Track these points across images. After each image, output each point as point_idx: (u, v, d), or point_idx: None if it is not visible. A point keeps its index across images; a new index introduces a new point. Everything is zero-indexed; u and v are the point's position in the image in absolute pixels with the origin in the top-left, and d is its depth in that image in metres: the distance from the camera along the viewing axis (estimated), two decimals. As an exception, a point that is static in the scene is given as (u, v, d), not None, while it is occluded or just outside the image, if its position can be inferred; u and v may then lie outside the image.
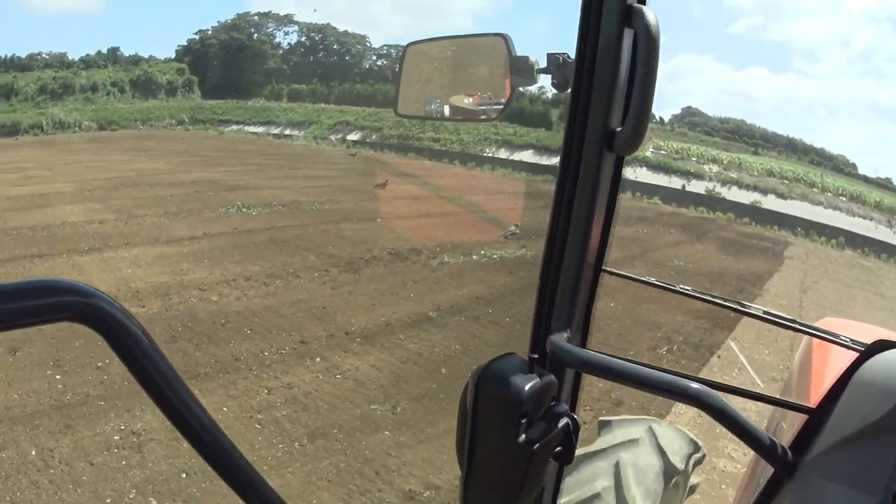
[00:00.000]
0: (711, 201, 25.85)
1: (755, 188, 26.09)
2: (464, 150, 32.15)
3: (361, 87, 40.04)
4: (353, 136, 35.05)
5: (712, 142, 29.67)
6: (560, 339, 1.01)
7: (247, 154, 26.38)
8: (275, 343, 7.00)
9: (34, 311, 0.61)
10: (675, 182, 27.11)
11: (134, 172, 19.28)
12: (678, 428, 3.49)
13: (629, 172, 27.42)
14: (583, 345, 1.10)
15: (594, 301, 1.10)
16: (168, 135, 31.61)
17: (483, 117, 1.37)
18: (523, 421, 0.90)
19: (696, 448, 3.26)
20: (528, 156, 30.81)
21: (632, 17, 0.93)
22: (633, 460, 3.09)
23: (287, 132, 36.09)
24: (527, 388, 0.90)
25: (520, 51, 1.19)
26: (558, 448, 0.95)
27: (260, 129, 36.12)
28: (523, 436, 0.90)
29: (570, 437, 0.95)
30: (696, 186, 26.79)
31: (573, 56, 0.99)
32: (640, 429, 3.28)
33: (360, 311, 8.00)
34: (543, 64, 1.12)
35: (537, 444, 0.90)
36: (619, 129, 0.96)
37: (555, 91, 1.08)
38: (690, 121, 31.53)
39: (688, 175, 27.11)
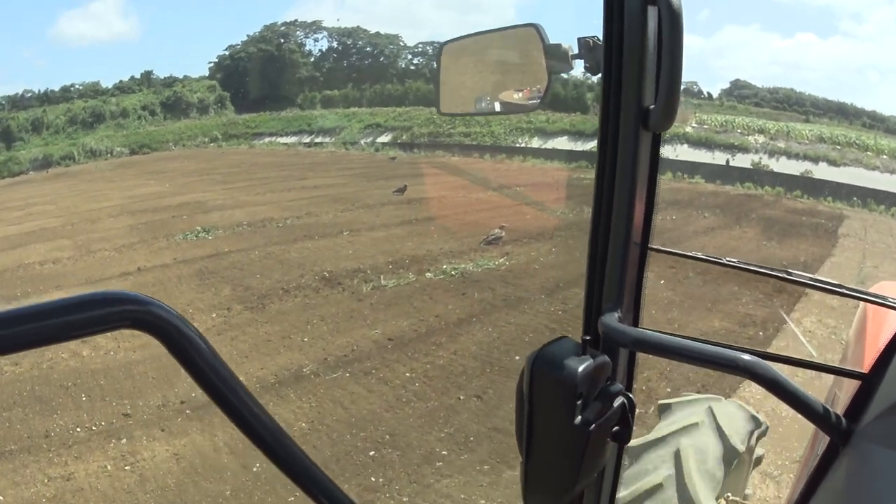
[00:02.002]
0: (758, 175, 23.81)
1: (805, 157, 24.12)
2: (495, 142, 31.18)
3: (392, 88, 39.21)
4: (383, 139, 34.35)
5: (762, 113, 27.81)
6: (611, 319, 1.02)
7: (262, 167, 25.82)
8: (98, 415, 5.97)
9: (93, 321, 0.65)
10: (719, 157, 25.21)
11: (130, 199, 18.92)
12: (740, 404, 3.41)
13: (669, 151, 25.80)
14: (634, 323, 1.11)
15: (643, 279, 1.10)
16: (195, 153, 31.52)
17: (522, 108, 1.37)
18: (578, 402, 0.91)
19: (758, 423, 3.25)
20: (562, 142, 29.69)
21: None
22: (694, 445, 3.07)
23: (318, 140, 35.59)
24: (580, 369, 0.90)
25: (558, 37, 1.19)
26: (615, 427, 0.96)
27: (292, 140, 35.70)
28: (579, 417, 0.91)
29: (627, 415, 0.96)
30: (742, 160, 24.81)
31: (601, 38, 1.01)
32: (700, 410, 3.25)
33: (222, 367, 6.79)
34: (577, 50, 1.13)
35: (594, 425, 0.91)
36: (652, 106, 0.97)
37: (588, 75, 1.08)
38: (739, 94, 29.76)
39: (732, 149, 25.17)
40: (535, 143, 30.06)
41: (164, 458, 5.22)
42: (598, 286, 1.07)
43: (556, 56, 1.17)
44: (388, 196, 17.77)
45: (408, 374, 6.74)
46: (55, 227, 16.03)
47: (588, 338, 0.94)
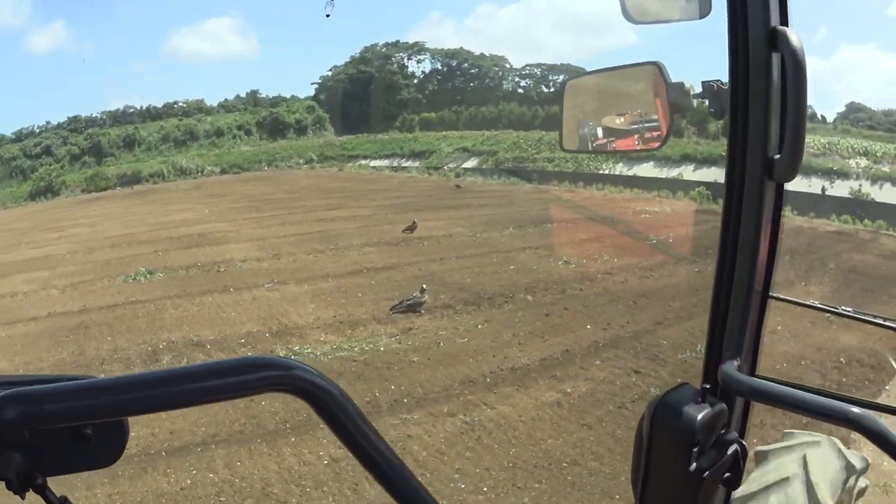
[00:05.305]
0: (857, 206, 21.07)
1: (910, 183, 21.23)
2: (577, 168, 29.29)
3: (486, 111, 37.97)
4: (469, 164, 33.23)
5: (876, 136, 25.03)
6: (731, 367, 1.04)
7: (317, 193, 25.40)
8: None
9: (241, 385, 0.69)
10: (816, 185, 22.27)
11: (149, 227, 19.11)
12: (838, 448, 3.40)
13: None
14: (752, 371, 1.12)
15: (762, 328, 1.11)
16: (277, 176, 31.78)
17: (642, 146, 1.35)
18: (695, 450, 0.94)
19: (853, 468, 3.31)
20: (646, 169, 27.40)
21: (777, 40, 0.96)
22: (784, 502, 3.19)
23: (406, 164, 35.02)
24: (699, 417, 0.94)
25: (679, 72, 1.20)
26: (727, 474, 0.99)
27: (383, 163, 35.37)
28: (694, 464, 0.94)
29: (739, 462, 0.99)
30: (840, 188, 22.27)
31: (726, 83, 1.02)
32: (794, 460, 3.33)
33: None
34: (698, 89, 1.13)
35: (707, 472, 0.94)
36: (776, 156, 1.00)
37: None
38: (855, 117, 27.41)
39: (830, 174, 22.66)
40: (619, 169, 27.87)
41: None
42: (719, 334, 1.10)
43: (679, 95, 1.18)
44: (391, 234, 16.46)
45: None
46: (59, 254, 16.32)
47: (707, 386, 0.98)
